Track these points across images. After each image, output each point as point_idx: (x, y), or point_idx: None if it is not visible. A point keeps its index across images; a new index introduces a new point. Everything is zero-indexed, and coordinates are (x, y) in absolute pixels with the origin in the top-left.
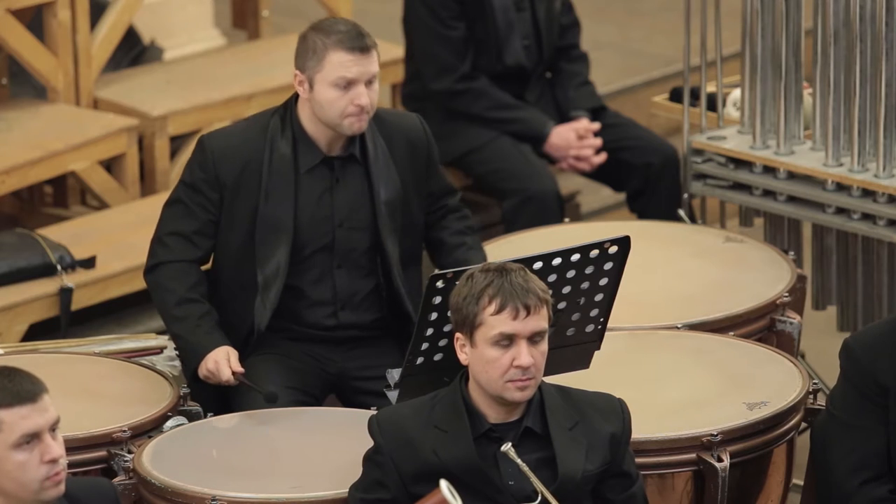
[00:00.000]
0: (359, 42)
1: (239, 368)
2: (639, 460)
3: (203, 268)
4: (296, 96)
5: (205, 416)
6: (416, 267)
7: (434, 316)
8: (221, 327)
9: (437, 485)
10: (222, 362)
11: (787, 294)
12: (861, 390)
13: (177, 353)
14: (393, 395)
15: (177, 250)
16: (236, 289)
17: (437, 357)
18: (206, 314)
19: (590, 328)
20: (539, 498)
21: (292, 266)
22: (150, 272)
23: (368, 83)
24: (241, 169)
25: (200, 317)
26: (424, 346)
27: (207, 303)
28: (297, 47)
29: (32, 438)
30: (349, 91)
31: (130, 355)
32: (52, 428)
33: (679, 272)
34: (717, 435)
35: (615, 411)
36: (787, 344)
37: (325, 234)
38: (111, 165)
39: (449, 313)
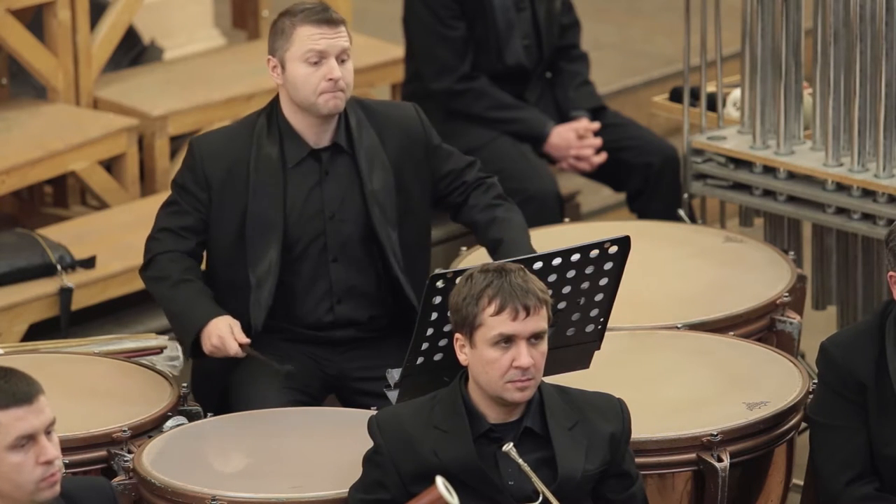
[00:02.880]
0: (324, 15)
1: (244, 339)
2: (639, 460)
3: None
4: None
5: (205, 416)
6: (424, 255)
7: (434, 316)
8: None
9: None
10: (226, 335)
11: (787, 294)
12: (839, 391)
13: (175, 339)
14: (393, 395)
15: (167, 242)
16: (231, 289)
17: (437, 357)
18: (201, 291)
19: (590, 328)
20: (540, 498)
21: (285, 262)
22: (145, 268)
23: (341, 61)
24: (229, 169)
25: (197, 293)
26: (424, 346)
27: (202, 283)
28: (269, 35)
29: (28, 440)
30: (321, 66)
31: (130, 355)
32: (48, 429)
33: (679, 272)
34: (717, 435)
35: (615, 411)
36: (787, 344)
37: (317, 228)
38: (111, 165)
39: (449, 313)
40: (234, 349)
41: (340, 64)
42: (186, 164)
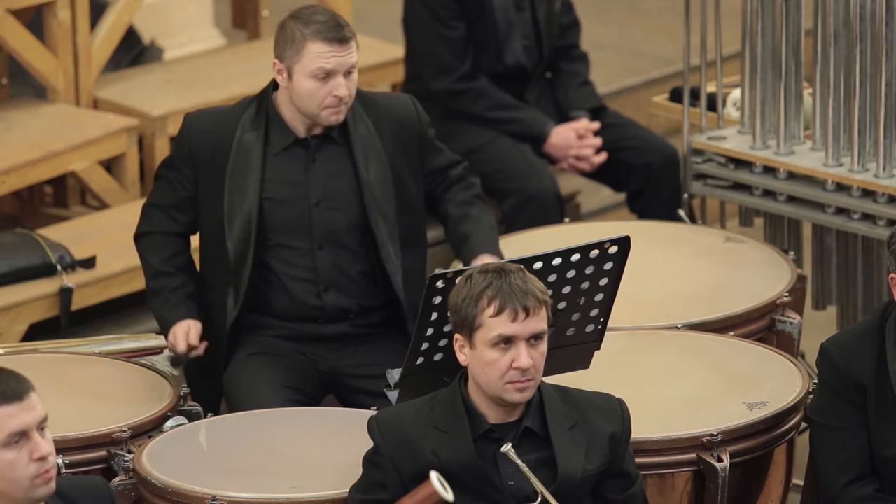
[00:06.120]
0: (337, 33)
1: (195, 343)
2: (639, 460)
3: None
4: (274, 83)
5: (205, 416)
6: (421, 248)
7: (434, 316)
8: (196, 299)
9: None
10: (180, 335)
11: (787, 294)
12: (839, 392)
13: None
14: (393, 395)
15: (156, 222)
16: (218, 271)
17: (437, 357)
18: (177, 288)
19: (590, 328)
20: (539, 498)
21: (264, 249)
22: (137, 239)
23: (347, 73)
24: (213, 149)
25: (172, 290)
26: (424, 346)
27: (182, 274)
28: (276, 35)
29: (21, 437)
30: (328, 82)
31: (130, 355)
32: (41, 426)
33: (679, 272)
34: (717, 435)
35: (615, 411)
36: (787, 344)
37: (300, 215)
38: (111, 165)
39: (448, 314)
40: (181, 348)
41: (346, 76)
42: (177, 138)
